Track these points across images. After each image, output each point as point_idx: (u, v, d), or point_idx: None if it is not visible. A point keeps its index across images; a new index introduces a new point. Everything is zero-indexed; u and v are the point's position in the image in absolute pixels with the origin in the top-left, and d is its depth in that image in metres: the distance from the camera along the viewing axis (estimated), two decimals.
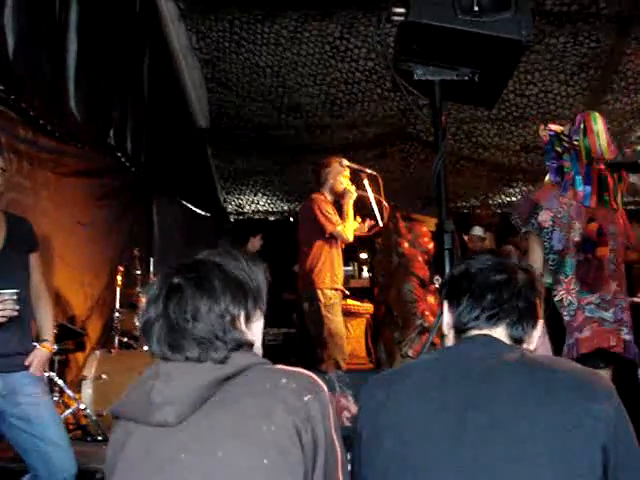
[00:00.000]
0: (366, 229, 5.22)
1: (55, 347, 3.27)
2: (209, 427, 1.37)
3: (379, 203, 5.18)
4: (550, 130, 3.59)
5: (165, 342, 1.46)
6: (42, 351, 2.96)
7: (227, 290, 1.49)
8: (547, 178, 3.63)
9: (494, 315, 1.58)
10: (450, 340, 1.67)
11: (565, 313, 3.40)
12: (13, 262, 2.90)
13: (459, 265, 1.71)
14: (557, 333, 3.40)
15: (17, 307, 2.73)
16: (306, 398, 1.40)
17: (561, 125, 3.65)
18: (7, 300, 2.69)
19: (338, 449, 1.44)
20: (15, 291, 2.73)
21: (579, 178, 3.46)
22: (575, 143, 3.49)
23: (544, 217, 3.43)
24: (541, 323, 1.67)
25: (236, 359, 1.46)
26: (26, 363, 2.87)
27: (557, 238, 3.42)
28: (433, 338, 2.71)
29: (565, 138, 3.52)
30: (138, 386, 1.46)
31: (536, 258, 3.47)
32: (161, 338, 1.47)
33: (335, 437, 1.44)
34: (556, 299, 3.41)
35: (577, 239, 3.41)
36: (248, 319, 1.54)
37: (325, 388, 1.47)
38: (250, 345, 1.54)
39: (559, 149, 3.52)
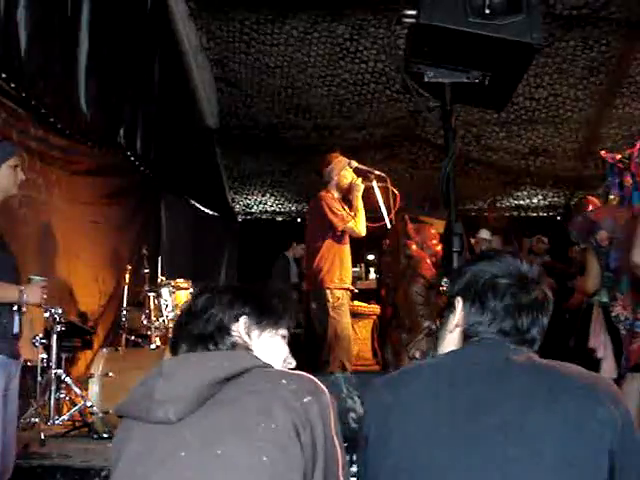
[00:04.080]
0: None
1: None
2: (209, 425, 1.38)
3: (387, 196, 5.08)
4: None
5: (171, 340, 1.68)
6: None
7: (224, 296, 1.61)
8: (610, 197, 3.91)
9: (514, 341, 1.56)
10: (454, 338, 1.64)
11: (622, 327, 3.61)
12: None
13: (482, 268, 1.60)
14: (615, 346, 3.67)
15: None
16: (305, 400, 1.40)
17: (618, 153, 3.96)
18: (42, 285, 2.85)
19: (339, 452, 1.44)
20: (43, 278, 2.93)
21: (637, 194, 3.75)
22: (636, 162, 3.75)
23: (602, 236, 3.64)
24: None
25: (238, 360, 1.48)
26: None
27: (613, 257, 3.63)
28: None
29: (626, 160, 3.71)
30: (142, 384, 1.48)
31: (594, 274, 3.71)
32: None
33: (336, 440, 1.43)
34: (613, 314, 3.62)
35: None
36: (250, 330, 1.59)
37: (326, 391, 1.46)
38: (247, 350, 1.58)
39: (621, 165, 3.71)
